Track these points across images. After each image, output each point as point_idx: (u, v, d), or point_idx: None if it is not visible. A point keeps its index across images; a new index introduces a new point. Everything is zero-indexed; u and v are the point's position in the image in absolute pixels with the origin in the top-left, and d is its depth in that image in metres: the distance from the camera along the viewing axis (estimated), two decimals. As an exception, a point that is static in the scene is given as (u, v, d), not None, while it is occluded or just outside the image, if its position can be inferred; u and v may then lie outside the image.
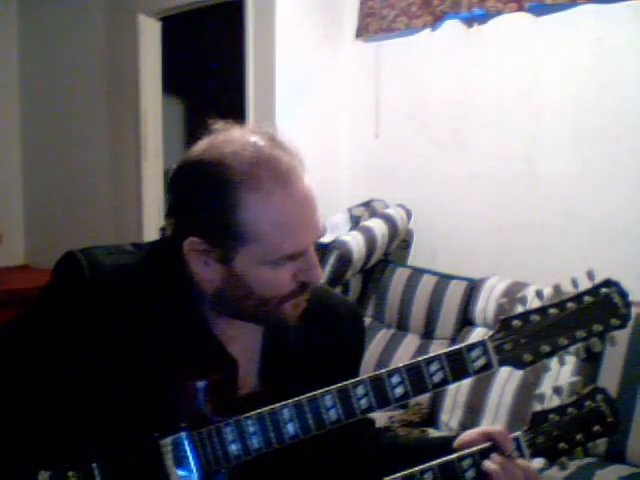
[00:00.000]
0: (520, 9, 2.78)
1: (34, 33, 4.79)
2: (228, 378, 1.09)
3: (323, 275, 1.04)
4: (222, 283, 1.05)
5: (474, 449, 1.10)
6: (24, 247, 4.99)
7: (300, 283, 1.05)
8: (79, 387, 1.04)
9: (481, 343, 1.06)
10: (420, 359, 1.06)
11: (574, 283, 1.09)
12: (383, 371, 1.05)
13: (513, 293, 2.57)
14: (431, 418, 2.61)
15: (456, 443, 1.14)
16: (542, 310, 1.08)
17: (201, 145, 1.05)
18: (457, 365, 1.05)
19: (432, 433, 2.52)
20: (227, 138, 1.04)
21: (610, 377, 2.23)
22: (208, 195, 1.01)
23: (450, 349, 1.06)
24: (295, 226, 1.01)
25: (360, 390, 1.04)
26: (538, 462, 1.13)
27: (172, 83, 4.50)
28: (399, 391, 1.04)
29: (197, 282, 1.07)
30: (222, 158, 1.01)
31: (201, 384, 1.04)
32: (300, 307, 1.08)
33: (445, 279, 2.89)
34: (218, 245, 1.02)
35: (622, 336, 2.20)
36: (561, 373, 2.25)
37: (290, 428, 1.03)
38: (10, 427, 1.05)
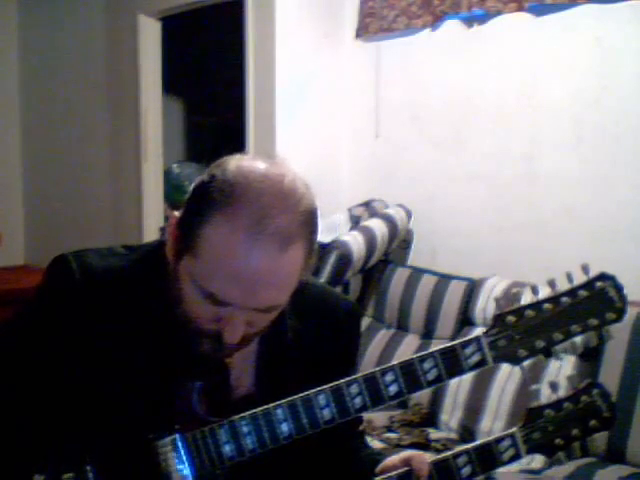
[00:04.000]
0: (520, 9, 2.78)
1: (34, 33, 4.79)
2: (221, 379, 1.09)
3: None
4: (170, 272, 1.02)
5: (393, 473, 1.10)
6: (24, 247, 4.99)
7: (218, 331, 0.99)
8: (71, 389, 1.04)
9: (475, 339, 1.06)
10: (414, 356, 1.05)
11: (569, 277, 1.09)
12: (377, 369, 1.05)
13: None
14: (431, 418, 2.61)
15: (378, 468, 1.14)
16: (536, 305, 1.08)
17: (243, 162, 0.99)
18: (451, 362, 1.05)
19: (432, 433, 2.52)
20: (264, 171, 0.97)
21: (610, 377, 2.23)
22: (201, 193, 0.98)
23: (444, 346, 1.06)
24: (230, 276, 0.94)
25: (354, 389, 1.04)
26: (537, 459, 1.13)
27: (172, 83, 4.51)
28: (393, 389, 1.04)
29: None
30: (244, 180, 0.95)
31: (194, 385, 1.04)
32: (220, 354, 1.03)
33: (445, 279, 2.89)
34: (180, 237, 1.00)
35: (622, 335, 2.20)
36: (561, 372, 2.25)
37: (284, 428, 1.03)
38: (4, 430, 1.05)
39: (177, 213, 1.02)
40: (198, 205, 0.97)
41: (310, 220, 0.98)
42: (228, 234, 0.93)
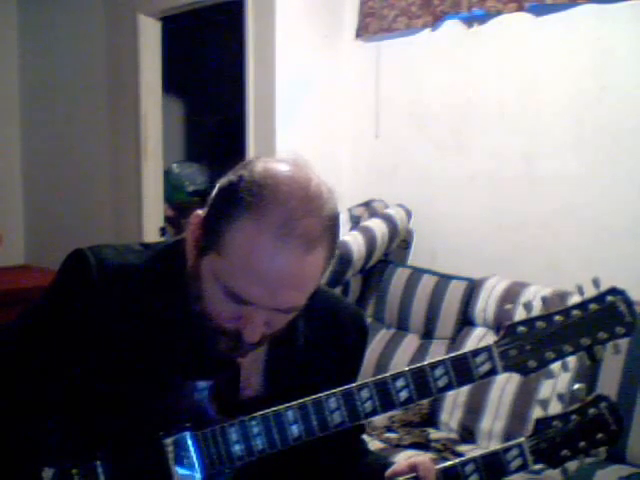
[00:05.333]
0: (520, 9, 2.78)
1: (34, 33, 4.79)
2: (231, 379, 1.09)
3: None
4: (190, 269, 1.04)
5: (399, 479, 1.11)
6: (24, 247, 4.99)
7: (237, 330, 1.01)
8: (84, 384, 1.04)
9: (486, 349, 1.07)
10: (425, 363, 1.06)
11: (580, 290, 1.09)
12: (388, 375, 1.05)
13: (513, 293, 2.57)
14: (431, 418, 2.61)
15: (387, 473, 1.15)
16: (547, 317, 1.08)
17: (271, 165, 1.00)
18: (462, 370, 1.05)
19: (432, 433, 2.52)
20: (291, 174, 0.99)
21: (610, 377, 2.23)
22: (230, 193, 0.99)
23: (455, 354, 1.07)
24: (254, 275, 0.95)
25: (365, 393, 1.04)
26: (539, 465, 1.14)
27: (172, 83, 4.51)
28: (404, 395, 1.05)
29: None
30: (272, 182, 0.97)
31: (205, 384, 1.05)
32: (237, 353, 1.04)
33: (445, 279, 2.89)
34: (203, 235, 1.01)
35: (622, 336, 2.20)
36: (561, 376, 2.25)
37: (294, 430, 1.03)
38: (15, 424, 1.06)
39: (201, 212, 1.03)
40: (225, 205, 0.98)
41: (333, 225, 1.00)
42: (255, 234, 0.95)
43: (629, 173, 2.59)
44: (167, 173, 4.57)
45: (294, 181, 0.98)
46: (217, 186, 1.02)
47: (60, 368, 1.06)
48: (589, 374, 2.26)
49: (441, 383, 1.05)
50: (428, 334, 2.86)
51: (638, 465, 2.15)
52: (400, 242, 3.22)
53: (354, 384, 1.05)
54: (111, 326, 1.05)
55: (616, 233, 2.62)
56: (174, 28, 4.20)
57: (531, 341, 1.07)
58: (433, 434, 2.52)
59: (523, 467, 1.11)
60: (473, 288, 2.76)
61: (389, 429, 2.56)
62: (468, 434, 2.49)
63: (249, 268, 0.95)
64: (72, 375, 1.05)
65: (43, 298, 1.11)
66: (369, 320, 3.07)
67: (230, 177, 1.01)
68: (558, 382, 2.29)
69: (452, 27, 3.09)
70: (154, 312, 1.06)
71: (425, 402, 2.63)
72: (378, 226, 3.06)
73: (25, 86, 4.91)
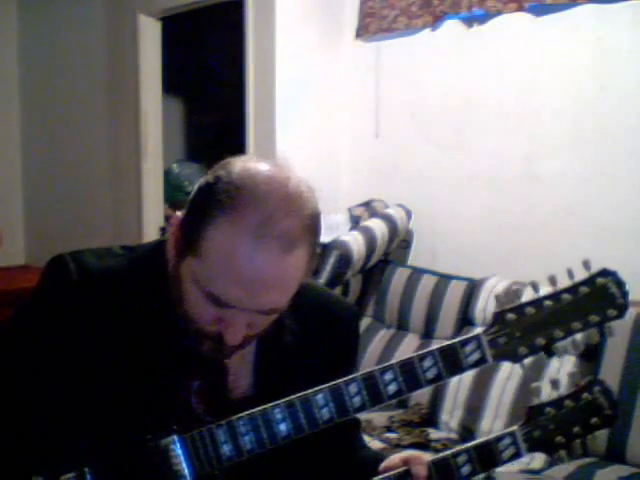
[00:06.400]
0: (520, 9, 2.78)
1: (34, 33, 4.79)
2: (218, 380, 1.09)
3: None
4: (171, 272, 1.03)
5: (391, 473, 1.10)
6: (24, 247, 5.00)
7: (218, 332, 0.99)
8: (69, 391, 1.03)
9: (475, 337, 1.05)
10: (413, 355, 1.04)
11: (570, 274, 1.07)
12: (376, 368, 1.04)
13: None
14: (431, 418, 2.61)
15: (381, 466, 1.14)
16: (537, 302, 1.07)
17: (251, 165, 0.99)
18: (451, 360, 1.04)
19: (432, 433, 2.52)
20: (269, 174, 0.97)
21: (610, 377, 2.23)
22: (206, 194, 0.97)
23: (444, 344, 1.05)
24: (233, 278, 0.94)
25: (353, 388, 1.03)
26: (537, 459, 1.13)
27: (172, 83, 4.51)
28: (392, 388, 1.03)
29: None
30: (250, 182, 0.95)
31: (192, 386, 1.04)
32: (220, 355, 1.03)
33: (445, 279, 2.88)
34: (182, 237, 1.00)
35: (622, 334, 2.20)
36: (561, 371, 2.25)
37: (282, 428, 1.02)
38: (2, 432, 1.05)
39: (179, 213, 1.01)
40: (203, 206, 0.97)
41: (314, 224, 0.98)
42: (233, 236, 0.93)
43: (629, 173, 2.59)
44: (167, 173, 4.57)
45: (273, 180, 0.96)
46: (196, 187, 1.00)
47: (44, 374, 1.04)
48: (590, 371, 2.25)
49: (430, 374, 1.03)
50: (428, 334, 2.86)
51: (638, 465, 2.15)
52: (400, 242, 3.22)
53: (341, 379, 1.03)
54: (94, 330, 1.04)
55: (616, 232, 2.62)
56: (174, 28, 4.20)
57: (521, 328, 1.06)
58: (433, 434, 2.52)
59: (516, 455, 1.09)
60: (473, 288, 2.76)
61: (389, 429, 2.56)
62: (468, 434, 2.49)
63: (228, 271, 0.94)
64: (57, 381, 1.04)
65: (26, 305, 1.10)
66: (369, 320, 3.07)
67: (208, 177, 0.99)
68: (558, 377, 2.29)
69: (452, 27, 3.09)
70: (138, 315, 1.05)
71: (425, 402, 2.63)
72: (378, 226, 3.06)
73: (25, 87, 4.91)
